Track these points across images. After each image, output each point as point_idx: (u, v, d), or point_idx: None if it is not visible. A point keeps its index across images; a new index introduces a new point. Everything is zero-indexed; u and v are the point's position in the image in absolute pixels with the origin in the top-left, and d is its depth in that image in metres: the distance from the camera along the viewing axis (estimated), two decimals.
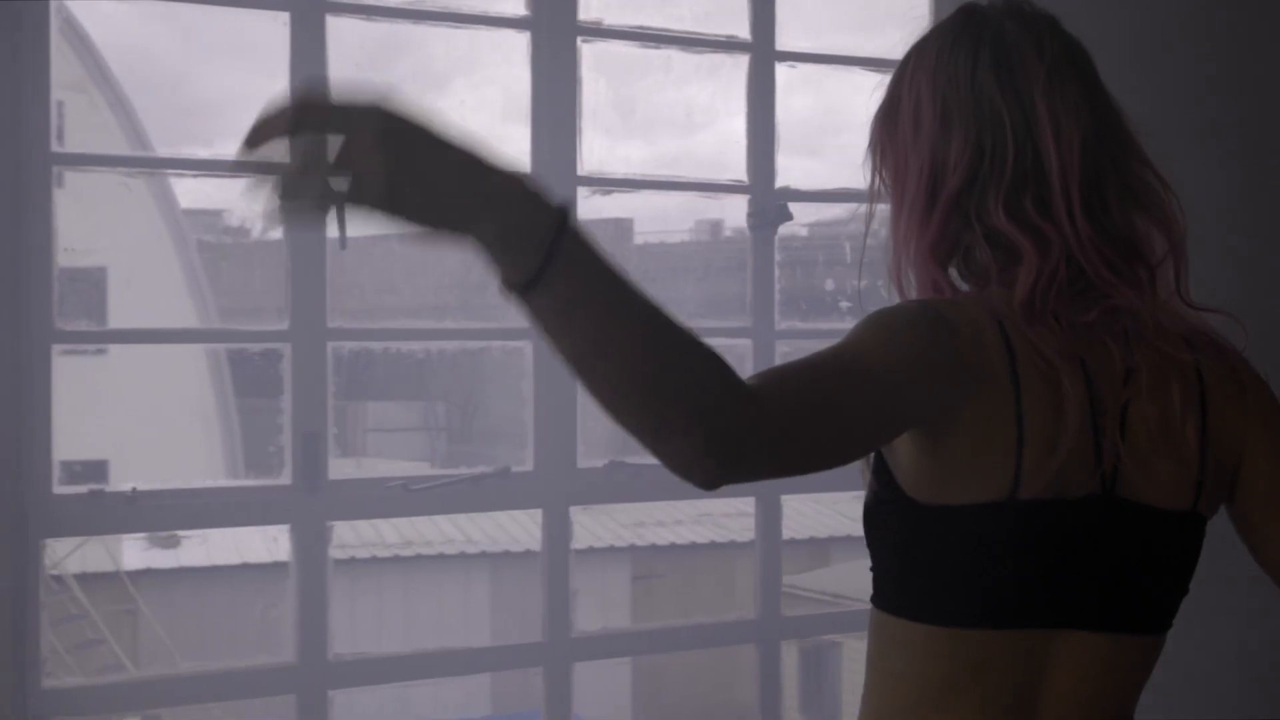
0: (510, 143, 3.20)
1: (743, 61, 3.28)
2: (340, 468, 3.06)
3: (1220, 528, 1.59)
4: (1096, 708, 1.50)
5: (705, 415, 1.17)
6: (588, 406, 3.10)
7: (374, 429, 9.95)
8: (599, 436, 3.10)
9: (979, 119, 1.50)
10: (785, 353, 3.33)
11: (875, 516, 1.52)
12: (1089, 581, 1.47)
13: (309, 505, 2.95)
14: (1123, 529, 1.47)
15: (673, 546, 9.36)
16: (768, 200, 3.26)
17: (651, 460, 1.22)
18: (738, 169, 3.29)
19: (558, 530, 3.15)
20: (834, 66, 3.40)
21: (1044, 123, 1.48)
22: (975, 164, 1.50)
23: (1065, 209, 1.47)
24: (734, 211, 3.35)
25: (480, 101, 3.24)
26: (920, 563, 1.47)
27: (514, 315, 3.18)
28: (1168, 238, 1.53)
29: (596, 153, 3.15)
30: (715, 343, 1.21)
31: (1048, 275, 1.46)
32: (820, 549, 9.04)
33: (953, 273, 1.58)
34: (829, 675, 8.39)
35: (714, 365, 1.18)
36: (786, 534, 3.32)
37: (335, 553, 2.99)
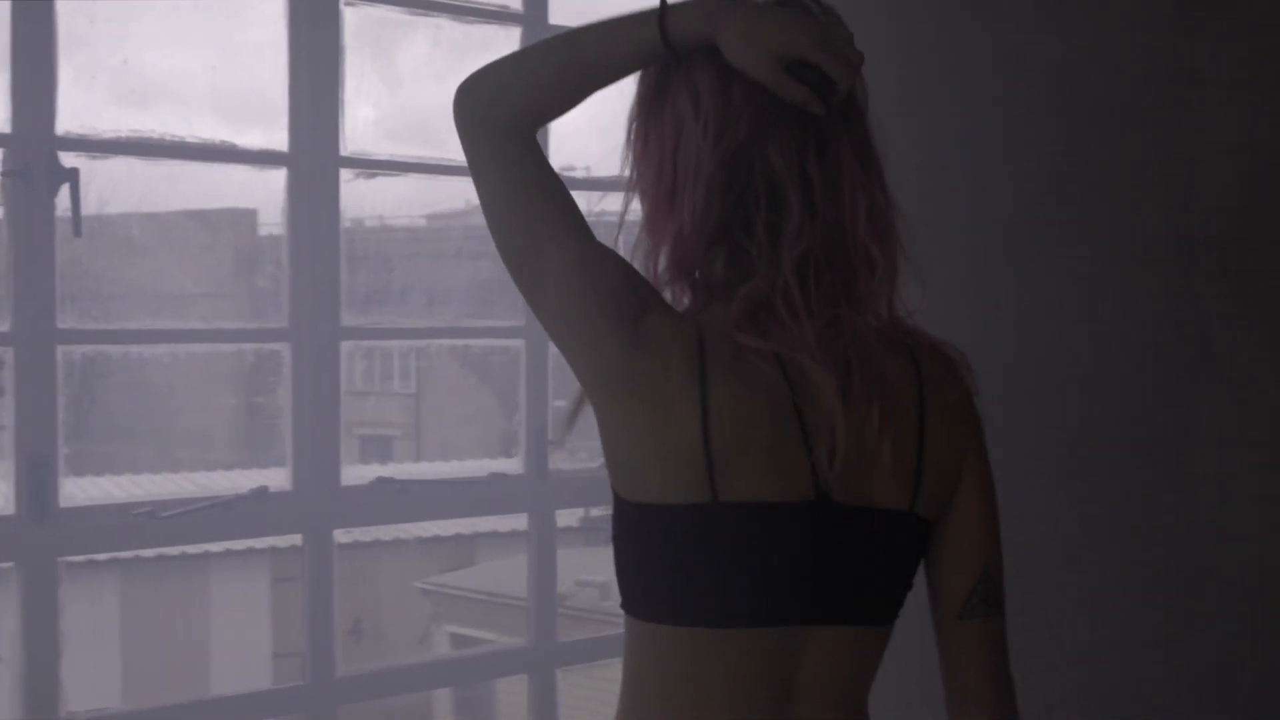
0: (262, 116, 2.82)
1: (515, 34, 2.99)
2: (73, 492, 2.61)
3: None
4: (846, 692, 1.55)
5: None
6: (351, 416, 2.77)
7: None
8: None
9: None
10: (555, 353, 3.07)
11: (613, 514, 1.55)
12: (822, 581, 1.51)
13: (36, 538, 2.50)
14: (842, 530, 1.50)
15: None
16: None
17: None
18: None
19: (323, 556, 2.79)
20: None
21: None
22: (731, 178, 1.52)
23: (796, 228, 1.50)
24: None
25: (235, 67, 2.82)
26: (637, 560, 1.51)
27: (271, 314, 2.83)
28: (886, 253, 1.54)
29: (360, 130, 2.81)
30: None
31: (777, 290, 1.49)
32: (465, 546, 8.78)
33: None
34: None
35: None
36: (431, 531, 3.17)
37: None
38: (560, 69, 1.52)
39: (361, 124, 2.79)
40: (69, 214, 2.50)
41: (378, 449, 10.32)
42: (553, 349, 3.01)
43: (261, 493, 2.72)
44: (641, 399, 1.47)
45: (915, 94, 2.89)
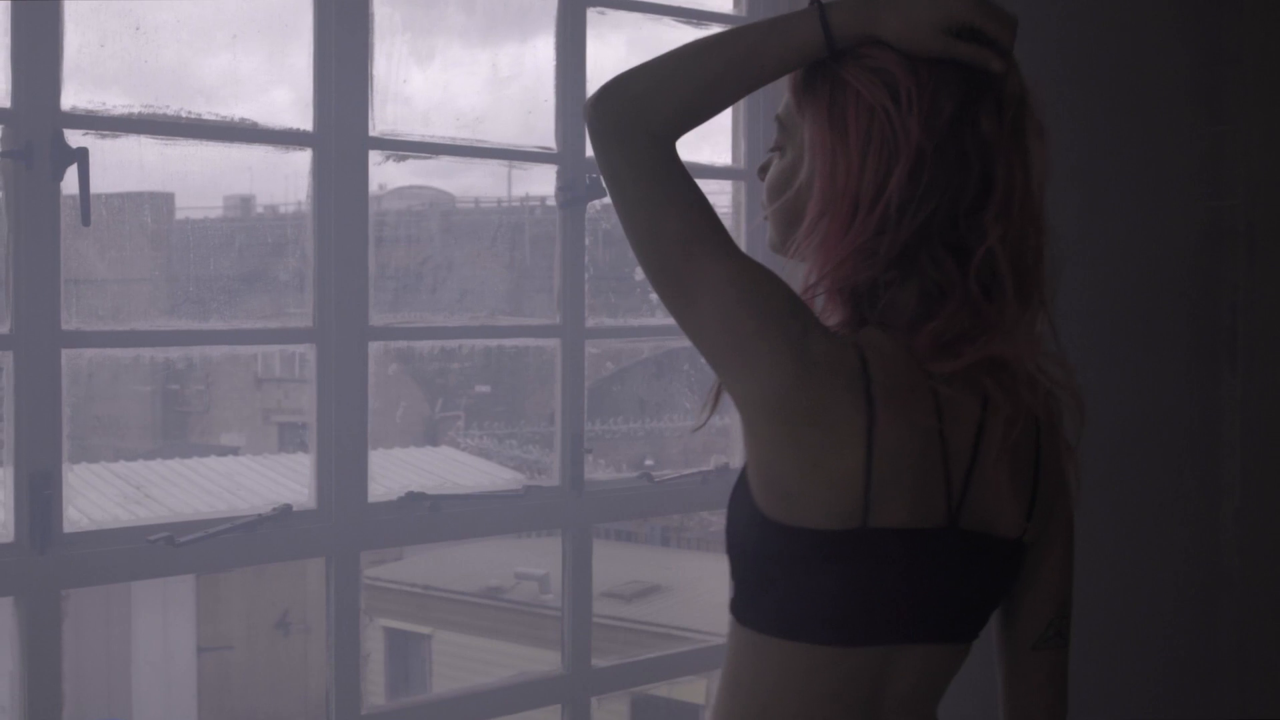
0: (278, 92, 2.54)
1: (550, 6, 2.72)
2: (77, 516, 2.32)
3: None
4: (924, 708, 1.57)
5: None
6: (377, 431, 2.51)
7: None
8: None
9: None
10: (593, 354, 2.82)
11: (736, 527, 1.52)
12: (934, 602, 1.53)
13: (38, 569, 2.20)
14: (965, 556, 1.53)
15: None
16: (578, 172, 2.73)
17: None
18: (545, 134, 2.73)
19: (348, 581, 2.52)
20: (647, 16, 2.89)
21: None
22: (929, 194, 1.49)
23: (999, 207, 1.49)
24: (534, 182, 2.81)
25: (249, 49, 2.51)
26: (776, 580, 1.49)
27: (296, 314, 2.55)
28: (1039, 282, 1.54)
29: (390, 110, 2.53)
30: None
31: (959, 320, 1.49)
32: None
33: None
34: (417, 664, 7.90)
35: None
36: None
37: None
38: (723, 66, 1.47)
39: (392, 102, 2.51)
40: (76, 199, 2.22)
41: (297, 436, 9.99)
42: (590, 348, 2.75)
43: (285, 512, 2.44)
44: (808, 423, 1.44)
45: None
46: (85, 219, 2.23)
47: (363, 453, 2.50)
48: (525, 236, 3.18)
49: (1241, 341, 3.51)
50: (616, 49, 2.84)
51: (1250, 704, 3.44)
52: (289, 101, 2.46)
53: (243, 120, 2.41)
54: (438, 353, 2.79)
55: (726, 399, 1.55)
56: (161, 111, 2.33)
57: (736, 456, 2.98)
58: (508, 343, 2.99)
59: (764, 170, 1.64)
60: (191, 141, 2.40)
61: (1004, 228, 1.49)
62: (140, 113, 2.31)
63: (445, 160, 2.73)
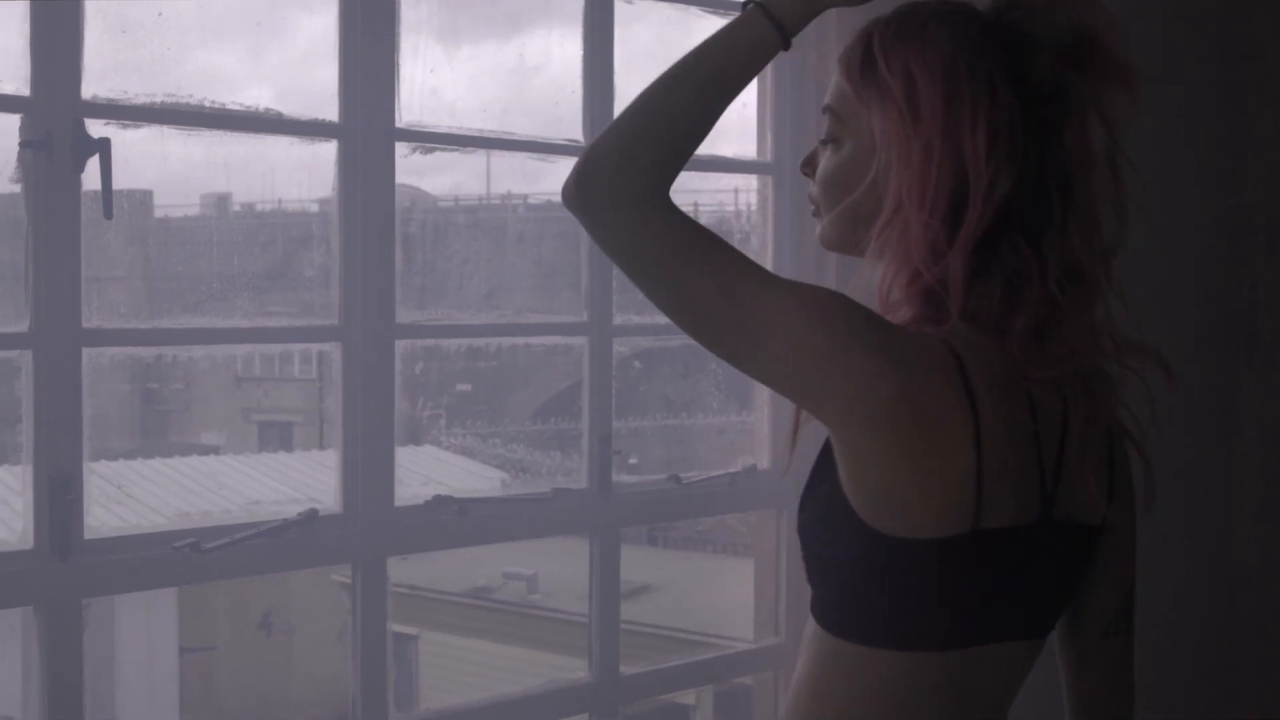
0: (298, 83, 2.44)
1: None
2: (98, 521, 2.23)
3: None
4: (1005, 703, 1.56)
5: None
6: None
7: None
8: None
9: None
10: (621, 353, 2.74)
11: (826, 537, 1.46)
12: (1029, 598, 1.51)
13: (59, 577, 2.12)
14: (1058, 548, 1.50)
15: None
16: None
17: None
18: (572, 125, 2.66)
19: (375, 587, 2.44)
20: (675, 6, 2.81)
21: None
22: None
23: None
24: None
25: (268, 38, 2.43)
26: (882, 591, 1.45)
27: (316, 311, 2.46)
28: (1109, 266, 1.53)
29: (418, 99, 2.45)
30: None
31: (1040, 312, 1.45)
32: None
33: None
34: (404, 665, 7.80)
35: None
36: None
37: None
38: (694, 96, 1.41)
39: (419, 91, 2.43)
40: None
41: (277, 435, 9.87)
42: (618, 347, 2.68)
43: (311, 516, 2.35)
44: (917, 428, 1.38)
45: None
46: (107, 212, 2.14)
47: (389, 455, 2.42)
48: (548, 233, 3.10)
49: (1262, 339, 3.47)
50: (643, 40, 2.75)
51: (1269, 704, 3.40)
52: (308, 91, 2.37)
53: (267, 110, 2.32)
54: (419, 351, 2.70)
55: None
56: (185, 101, 2.24)
57: (764, 457, 2.91)
58: (503, 342, 2.89)
59: (809, 164, 1.58)
60: (175, 132, 2.30)
61: (1076, 206, 1.47)
62: (163, 102, 2.22)
63: (436, 157, 2.63)
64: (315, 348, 6.73)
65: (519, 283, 3.06)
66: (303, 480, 7.09)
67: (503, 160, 2.69)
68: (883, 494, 1.40)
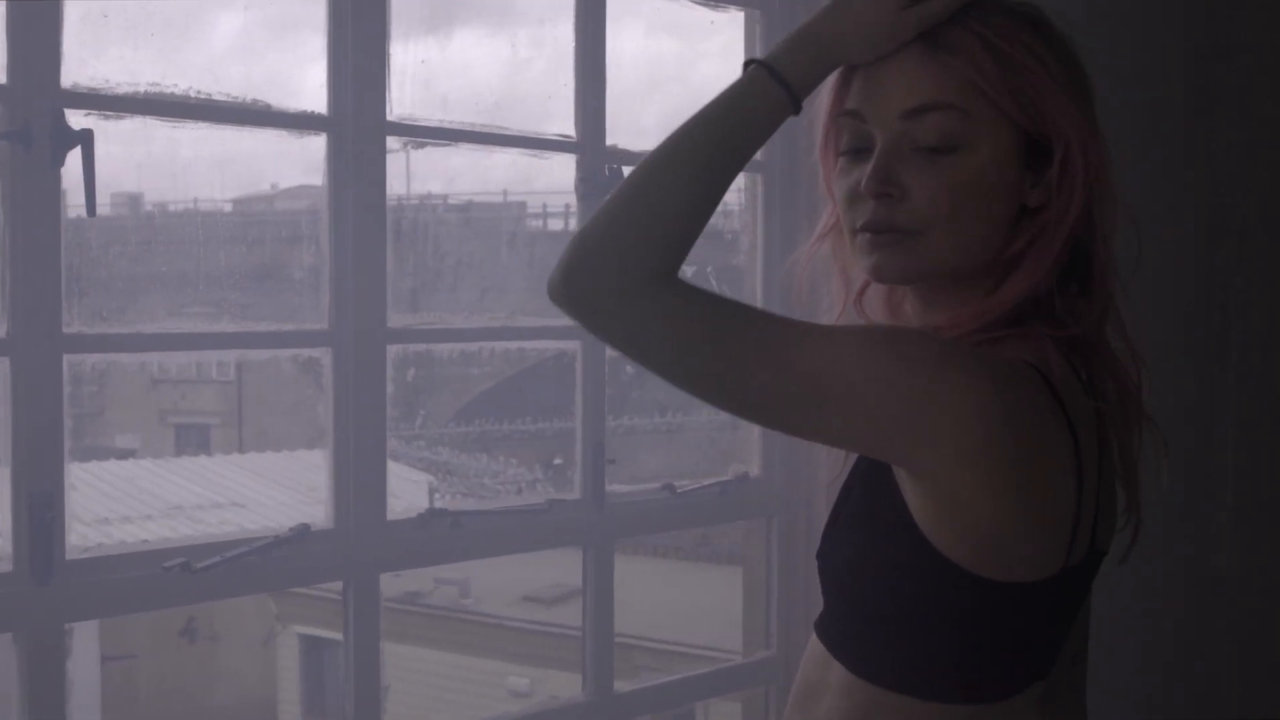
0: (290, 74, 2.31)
1: None
2: (78, 541, 2.09)
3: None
4: None
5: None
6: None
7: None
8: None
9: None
10: (611, 357, 2.63)
11: (880, 579, 1.32)
12: (1070, 635, 1.41)
13: (40, 601, 1.97)
14: (1092, 578, 1.41)
15: None
16: (598, 161, 2.54)
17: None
18: (564, 120, 2.54)
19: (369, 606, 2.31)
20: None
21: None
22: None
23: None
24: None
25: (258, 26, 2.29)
26: (979, 642, 1.31)
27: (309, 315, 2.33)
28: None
29: (408, 93, 2.32)
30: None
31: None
32: None
33: None
34: (332, 672, 7.66)
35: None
36: None
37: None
38: (702, 174, 1.27)
39: (410, 83, 2.31)
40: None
41: (195, 437, 9.66)
42: (611, 351, 2.57)
43: (303, 532, 2.22)
44: (1025, 458, 1.24)
45: None
46: (90, 208, 2.00)
47: (381, 467, 2.30)
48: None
49: (1235, 342, 3.45)
50: (634, 32, 2.65)
51: (1246, 704, 3.38)
52: (302, 82, 2.25)
53: (255, 101, 2.19)
54: (410, 356, 2.59)
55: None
56: (169, 90, 2.10)
57: (755, 465, 2.81)
58: (501, 346, 2.78)
59: (894, 184, 1.33)
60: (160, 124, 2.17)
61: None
62: (147, 93, 2.08)
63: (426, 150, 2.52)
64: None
65: (512, 284, 2.94)
66: (223, 484, 6.90)
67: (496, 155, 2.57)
68: (980, 535, 1.26)
